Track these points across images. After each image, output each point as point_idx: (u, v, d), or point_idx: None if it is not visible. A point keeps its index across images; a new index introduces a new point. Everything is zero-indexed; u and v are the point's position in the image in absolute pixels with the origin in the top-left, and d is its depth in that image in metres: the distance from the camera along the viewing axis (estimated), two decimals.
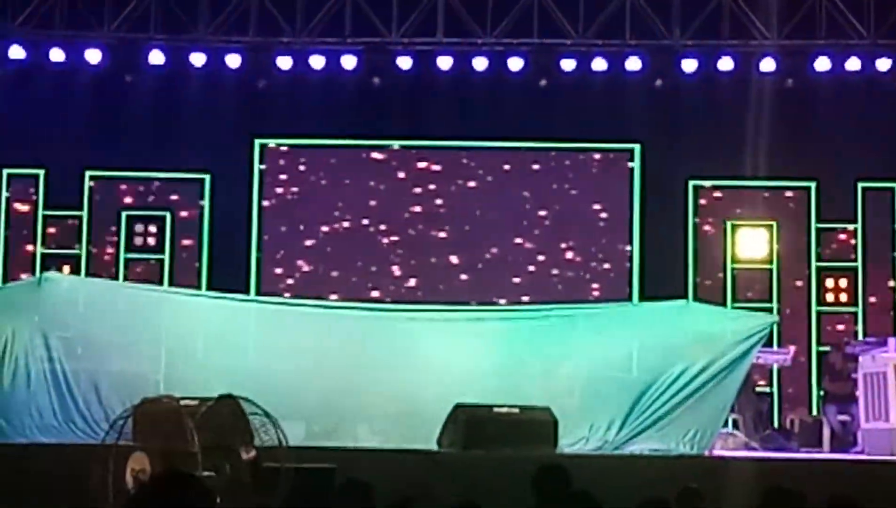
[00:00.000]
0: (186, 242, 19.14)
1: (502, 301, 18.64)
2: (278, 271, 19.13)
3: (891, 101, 18.62)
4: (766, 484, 8.29)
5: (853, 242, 18.98)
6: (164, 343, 14.27)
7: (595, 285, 18.94)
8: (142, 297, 15.05)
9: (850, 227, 18.99)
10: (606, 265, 19.04)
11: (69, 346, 13.96)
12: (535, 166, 19.31)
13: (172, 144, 18.96)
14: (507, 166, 19.35)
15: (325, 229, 19.25)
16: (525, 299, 18.48)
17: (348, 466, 10.76)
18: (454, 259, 19.11)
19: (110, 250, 19.19)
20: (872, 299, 18.89)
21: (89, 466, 9.29)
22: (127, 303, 14.67)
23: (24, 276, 18.19)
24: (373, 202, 19.26)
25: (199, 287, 18.44)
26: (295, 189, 19.37)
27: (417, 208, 19.25)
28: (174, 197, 19.33)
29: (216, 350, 14.33)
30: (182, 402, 9.71)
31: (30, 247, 19.13)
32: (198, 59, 18.81)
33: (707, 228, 19.13)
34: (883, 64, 18.52)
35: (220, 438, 9.05)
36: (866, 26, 18.40)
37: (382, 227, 19.22)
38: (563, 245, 19.10)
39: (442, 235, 19.21)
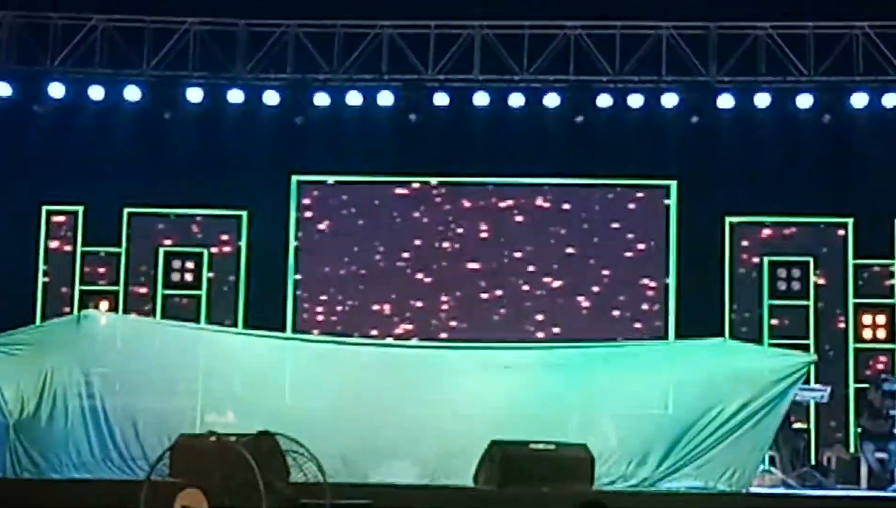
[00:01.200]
0: (223, 278, 19.21)
1: (539, 337, 18.65)
2: (315, 308, 19.18)
3: None
4: None
5: (891, 279, 18.91)
6: (200, 380, 14.32)
7: (632, 323, 18.90)
8: (179, 334, 15.12)
9: (888, 263, 18.92)
10: (643, 303, 19.01)
11: (107, 382, 14.05)
12: (572, 203, 19.33)
13: (210, 180, 19.06)
14: (543, 203, 19.38)
15: (361, 265, 19.29)
16: (561, 335, 18.46)
17: (385, 502, 10.77)
18: (490, 295, 19.12)
19: (148, 286, 19.29)
20: None
21: (136, 501, 9.33)
22: (164, 340, 14.74)
23: (63, 312, 18.28)
24: (409, 238, 19.32)
25: (235, 324, 18.53)
26: (332, 225, 19.44)
27: (454, 245, 19.29)
28: (212, 234, 19.43)
29: (253, 388, 14.38)
30: (217, 438, 9.74)
31: (69, 284, 19.23)
32: (236, 96, 18.94)
33: (744, 264, 19.09)
34: None
35: (259, 474, 9.08)
36: None
37: (419, 263, 19.27)
38: (600, 282, 19.09)
39: (478, 271, 19.23)
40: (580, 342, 16.30)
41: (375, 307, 19.13)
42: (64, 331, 14.65)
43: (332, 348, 15.02)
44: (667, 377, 14.26)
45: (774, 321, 18.93)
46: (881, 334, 18.83)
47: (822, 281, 19.01)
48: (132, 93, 18.87)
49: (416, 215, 19.40)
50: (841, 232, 19.02)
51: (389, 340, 17.74)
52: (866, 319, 18.89)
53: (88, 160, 18.99)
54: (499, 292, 19.15)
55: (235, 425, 13.73)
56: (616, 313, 19.00)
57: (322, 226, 19.45)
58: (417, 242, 19.30)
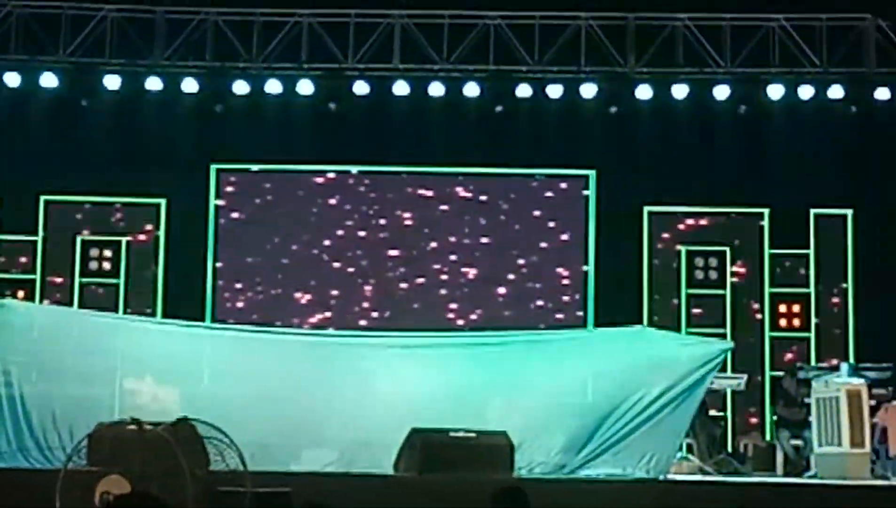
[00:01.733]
0: (142, 267, 19.08)
1: (459, 325, 18.72)
2: (234, 296, 19.12)
3: (843, 128, 18.83)
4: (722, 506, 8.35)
5: (806, 268, 19.14)
6: (119, 369, 14.21)
7: (552, 312, 19.01)
8: (97, 323, 15.01)
9: (803, 253, 19.15)
10: (563, 292, 19.12)
11: (24, 371, 13.91)
12: (491, 192, 19.39)
13: (128, 169, 18.92)
14: (463, 192, 19.42)
15: (280, 254, 19.25)
16: (481, 324, 18.53)
17: (305, 490, 10.74)
18: (410, 285, 19.15)
19: (66, 275, 19.12)
20: (824, 325, 19.03)
21: (56, 490, 9.25)
22: (82, 329, 14.62)
23: None
24: (329, 227, 19.30)
25: (154, 313, 18.43)
26: (251, 214, 19.37)
27: (374, 234, 19.29)
28: (130, 222, 19.29)
29: (171, 376, 14.30)
30: (138, 425, 9.67)
31: None
32: (154, 83, 18.80)
33: (662, 253, 19.24)
34: (835, 92, 18.72)
35: (175, 462, 9.04)
36: (818, 54, 18.59)
37: (339, 252, 19.25)
38: (519, 271, 19.17)
39: (398, 260, 19.25)
40: (500, 330, 16.38)
41: (295, 296, 19.10)
42: None
43: (251, 336, 14.96)
44: (586, 364, 14.34)
45: (692, 310, 19.10)
46: (796, 322, 19.06)
47: (738, 270, 19.21)
48: (48, 80, 18.69)
49: (336, 203, 19.37)
50: (757, 222, 19.22)
51: (309, 330, 17.69)
52: (782, 308, 19.11)
53: (4, 148, 18.79)
54: (419, 281, 19.18)
55: (155, 393, 13.71)
56: (536, 302, 19.09)
57: (241, 214, 19.37)
58: (337, 231, 19.28)
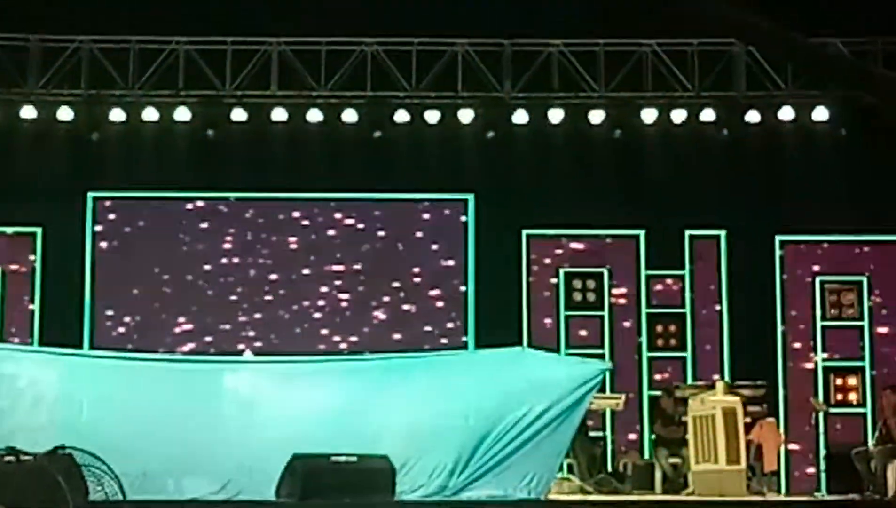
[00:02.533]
0: (18, 296, 18.84)
1: (340, 349, 18.74)
2: (111, 324, 18.95)
3: (715, 151, 19.16)
4: None
5: (681, 288, 19.43)
6: None
7: (432, 334, 19.09)
8: None
9: (678, 273, 19.45)
10: (444, 315, 19.22)
11: None
12: (370, 218, 19.44)
13: (3, 197, 18.69)
14: (342, 218, 19.46)
15: (158, 281, 19.12)
16: (363, 349, 18.56)
17: None
18: (289, 310, 19.13)
19: None
20: (701, 344, 19.32)
21: None
22: None
23: None
24: (207, 255, 19.22)
25: (31, 341, 18.21)
26: (129, 242, 19.22)
27: (252, 260, 19.24)
28: (5, 251, 19.05)
29: (49, 405, 14.13)
30: (16, 456, 9.58)
31: None
32: (28, 112, 18.62)
33: (540, 275, 19.42)
34: (707, 115, 19.07)
35: (54, 491, 8.97)
36: (690, 79, 18.93)
37: (218, 279, 19.18)
38: (400, 296, 19.25)
39: (276, 286, 19.22)
40: (382, 353, 16.42)
41: (174, 323, 18.98)
42: None
43: (129, 364, 14.82)
44: (466, 385, 14.40)
45: (571, 332, 19.28)
46: (672, 342, 19.32)
47: (616, 292, 19.44)
48: None
49: (214, 230, 19.30)
50: (633, 244, 19.47)
51: (187, 356, 17.58)
52: (658, 328, 19.36)
53: None
54: (297, 307, 19.16)
55: (31, 422, 13.56)
56: (418, 326, 19.16)
57: (119, 242, 19.22)
58: (216, 258, 19.20)
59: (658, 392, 18.33)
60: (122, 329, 18.94)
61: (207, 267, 19.17)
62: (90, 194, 19.17)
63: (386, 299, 19.28)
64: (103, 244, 19.16)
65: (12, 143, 18.81)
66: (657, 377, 19.14)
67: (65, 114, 18.68)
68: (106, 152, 18.97)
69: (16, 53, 18.58)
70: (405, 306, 19.24)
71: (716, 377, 18.15)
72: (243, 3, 18.58)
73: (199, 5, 18.46)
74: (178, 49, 18.66)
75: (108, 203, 19.28)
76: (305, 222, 19.42)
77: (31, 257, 19.01)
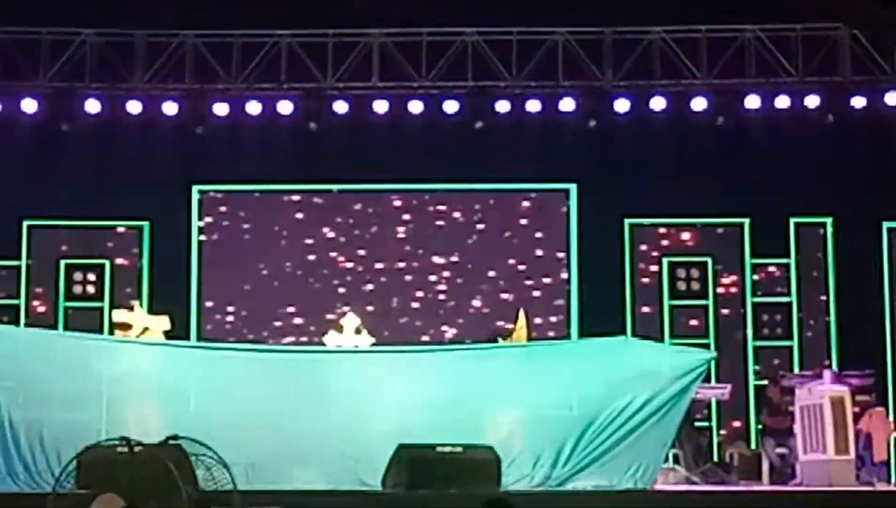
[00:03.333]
0: (126, 289, 19.10)
1: (445, 339, 18.79)
2: (218, 317, 19.16)
3: (820, 137, 18.94)
4: None
5: (787, 276, 19.25)
6: (105, 391, 14.22)
7: (535, 324, 19.06)
8: (81, 345, 14.99)
9: (784, 261, 19.26)
10: (546, 304, 19.19)
11: (11, 396, 13.91)
12: (472, 208, 19.47)
13: (110, 192, 18.97)
14: (444, 208, 19.51)
15: (263, 273, 19.31)
16: (464, 339, 18.59)
17: None
18: (395, 300, 19.22)
19: (49, 299, 19.15)
20: (807, 333, 19.14)
21: None
22: (67, 352, 14.60)
23: None
24: (311, 246, 19.36)
25: None
26: (233, 235, 19.42)
27: (357, 251, 19.35)
28: (113, 245, 19.33)
29: (157, 397, 14.32)
30: (128, 446, 9.69)
31: None
32: (134, 106, 18.85)
33: (643, 265, 19.34)
34: (811, 101, 18.84)
35: (169, 481, 9.06)
36: (794, 64, 18.72)
37: (323, 270, 19.31)
38: (501, 286, 19.25)
39: (381, 277, 19.32)
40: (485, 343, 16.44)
41: (281, 314, 19.15)
42: None
43: (237, 355, 14.95)
44: (570, 375, 14.36)
45: (675, 321, 19.18)
46: (779, 331, 19.15)
47: (720, 280, 19.30)
48: (29, 105, 18.71)
49: (317, 222, 19.44)
50: (738, 232, 19.32)
51: (294, 346, 17.72)
52: (764, 317, 19.19)
53: None
54: (400, 297, 19.24)
55: (141, 414, 13.75)
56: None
57: (224, 235, 19.42)
58: (319, 249, 19.34)
59: (765, 382, 18.17)
60: (229, 320, 19.15)
61: (311, 258, 19.31)
62: (195, 188, 19.38)
63: (487, 289, 19.29)
64: (209, 237, 19.37)
65: (119, 137, 19.04)
66: (764, 366, 18.94)
67: (170, 108, 18.89)
68: (210, 146, 19.16)
69: (121, 49, 18.80)
70: (506, 296, 19.24)
71: (824, 365, 17.96)
72: None
73: None
74: (281, 42, 18.78)
75: (213, 196, 19.49)
76: (407, 214, 19.48)
77: (139, 251, 19.25)
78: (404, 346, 16.32)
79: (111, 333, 16.06)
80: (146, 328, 15.41)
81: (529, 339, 16.04)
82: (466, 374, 14.44)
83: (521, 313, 16.19)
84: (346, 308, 18.00)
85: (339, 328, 16.00)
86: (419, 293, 19.31)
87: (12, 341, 14.48)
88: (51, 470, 13.05)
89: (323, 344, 16.05)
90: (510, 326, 16.50)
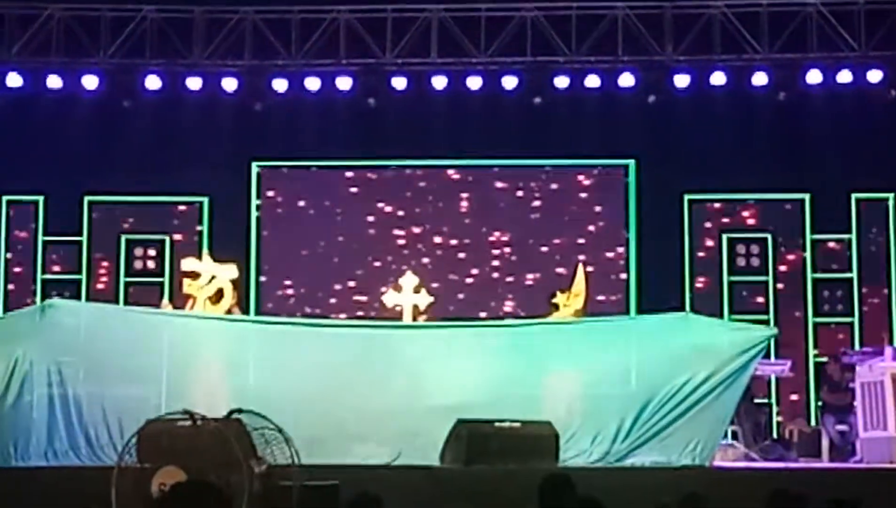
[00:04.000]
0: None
1: (504, 313, 18.79)
2: (278, 292, 19.25)
3: (882, 112, 18.78)
4: (768, 491, 8.38)
5: (848, 253, 19.11)
6: (165, 365, 14.31)
7: (595, 300, 19.01)
8: (143, 320, 15.09)
9: (845, 238, 19.13)
10: (606, 280, 19.15)
11: (73, 371, 14.02)
12: (531, 184, 19.45)
13: (170, 168, 19.10)
14: (502, 184, 19.49)
15: (323, 249, 19.37)
16: (523, 314, 18.58)
17: (352, 483, 10.82)
18: (453, 277, 19.23)
19: (110, 274, 19.31)
20: (868, 310, 19.00)
21: (106, 487, 9.33)
22: (128, 326, 14.71)
23: (26, 302, 18.26)
24: (370, 222, 19.41)
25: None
26: (293, 210, 19.51)
27: (415, 227, 19.38)
28: (173, 220, 19.46)
29: (217, 371, 14.40)
30: (192, 419, 9.75)
31: (31, 273, 19.24)
32: (194, 83, 18.95)
33: (703, 240, 19.26)
34: (874, 76, 18.68)
35: (230, 454, 9.12)
36: (857, 39, 18.55)
37: (381, 246, 19.35)
38: (561, 261, 19.21)
39: (439, 252, 19.34)
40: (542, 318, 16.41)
41: (337, 291, 19.21)
42: (27, 321, 14.59)
43: (296, 329, 15.01)
44: (629, 351, 14.32)
45: (735, 297, 19.09)
46: (840, 307, 19.03)
47: (780, 256, 19.19)
48: (90, 82, 18.86)
49: (375, 198, 19.48)
50: (798, 208, 19.19)
51: (353, 321, 17.76)
52: (825, 293, 19.08)
53: (48, 150, 18.98)
54: (464, 273, 19.25)
55: (201, 388, 13.85)
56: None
57: (283, 211, 19.52)
58: (378, 225, 19.38)
59: (825, 359, 18.05)
60: (289, 294, 19.23)
61: (370, 232, 19.35)
62: (255, 164, 19.47)
63: (546, 264, 19.26)
64: (268, 213, 19.46)
65: (179, 114, 19.16)
66: (824, 343, 18.83)
67: (229, 84, 18.98)
68: (269, 122, 19.23)
69: (181, 25, 18.89)
70: (564, 272, 19.18)
71: (884, 342, 17.80)
72: None
73: None
74: (339, 18, 18.81)
75: (272, 172, 19.56)
76: (465, 190, 19.47)
77: (199, 227, 19.37)
78: (463, 321, 16.32)
79: (180, 282, 16.12)
80: (214, 277, 15.50)
81: (587, 295, 15.96)
82: (525, 349, 14.43)
83: (580, 269, 16.08)
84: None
85: (398, 288, 16.03)
86: (476, 270, 19.31)
87: (74, 316, 14.57)
88: (113, 444, 13.16)
89: (382, 318, 16.08)
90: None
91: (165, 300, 16.63)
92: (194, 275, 15.70)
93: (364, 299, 19.08)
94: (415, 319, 15.77)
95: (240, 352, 14.60)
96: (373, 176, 19.58)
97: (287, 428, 10.20)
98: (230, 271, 15.76)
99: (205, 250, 15.69)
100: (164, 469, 9.12)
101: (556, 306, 15.69)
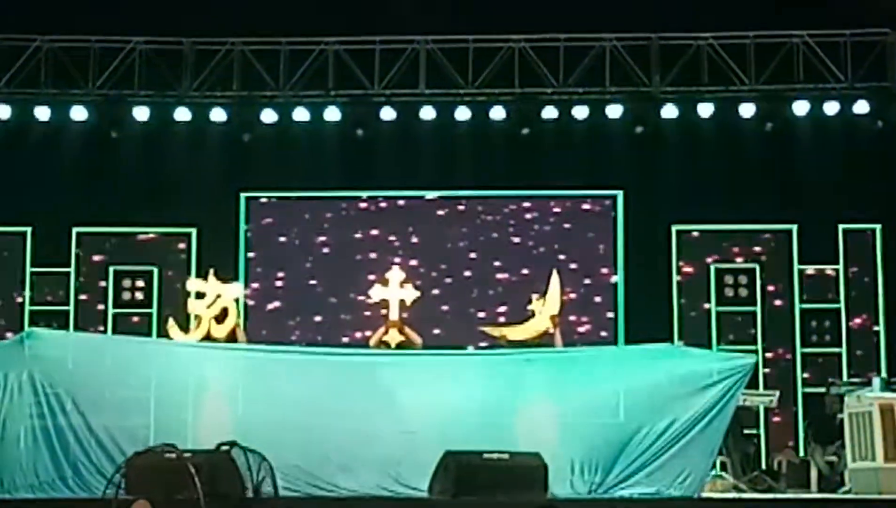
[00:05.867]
0: (174, 295, 19.18)
1: (488, 344, 18.77)
2: (266, 322, 19.22)
3: (868, 143, 18.85)
4: None
5: (836, 283, 19.15)
6: (153, 395, 14.27)
7: (581, 331, 19.05)
8: (129, 349, 15.04)
9: (833, 268, 19.16)
10: (592, 311, 19.16)
11: (59, 401, 13.96)
12: (519, 214, 19.47)
13: (159, 199, 19.11)
14: (490, 215, 19.52)
15: (312, 279, 19.37)
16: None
17: None
18: (439, 306, 19.22)
19: (99, 305, 19.29)
20: (856, 340, 19.03)
21: None
22: (115, 356, 14.64)
23: (10, 335, 18.21)
24: (357, 253, 19.41)
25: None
26: (280, 241, 19.51)
27: (403, 258, 19.37)
28: (161, 251, 19.45)
29: (204, 400, 14.36)
30: (177, 453, 9.77)
31: (19, 302, 19.22)
32: (183, 114, 18.99)
33: (690, 271, 19.29)
34: (860, 107, 18.77)
35: (215, 486, 9.14)
36: (843, 70, 18.65)
37: (368, 276, 19.31)
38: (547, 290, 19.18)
39: (427, 282, 19.30)
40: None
41: (324, 321, 19.19)
42: (10, 351, 14.53)
43: (283, 358, 14.97)
44: (616, 382, 14.28)
45: (722, 327, 19.12)
46: (827, 337, 19.06)
47: (768, 287, 19.23)
48: (78, 113, 18.90)
49: (364, 229, 19.49)
50: (786, 238, 19.24)
51: (340, 350, 17.73)
52: (813, 323, 19.11)
53: (36, 181, 18.98)
54: (447, 303, 19.25)
55: (190, 417, 13.80)
56: (565, 320, 19.06)
57: (271, 242, 19.52)
58: (367, 255, 19.37)
59: (816, 389, 18.06)
60: (274, 327, 19.18)
61: (357, 266, 19.32)
62: (243, 195, 19.48)
63: (534, 295, 19.22)
64: (256, 243, 19.46)
65: (167, 144, 19.18)
66: (812, 373, 18.85)
67: (217, 115, 19.03)
68: (258, 153, 19.27)
69: (170, 57, 18.95)
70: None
71: (872, 372, 17.84)
72: (390, 3, 18.71)
73: (346, 5, 18.64)
74: (328, 49, 18.88)
75: (260, 203, 19.59)
76: (454, 220, 19.50)
77: (187, 257, 19.37)
78: (451, 348, 16.31)
79: (185, 302, 16.07)
80: (219, 296, 15.48)
81: (562, 303, 15.91)
82: (510, 379, 14.37)
83: (555, 275, 16.01)
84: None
85: (385, 282, 16.02)
86: (463, 299, 19.30)
87: (59, 346, 14.51)
88: (102, 474, 13.12)
89: (367, 345, 16.04)
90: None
91: (171, 321, 16.53)
92: (199, 295, 15.69)
93: (352, 328, 19.05)
94: (401, 313, 15.75)
95: (229, 381, 14.54)
96: (361, 207, 19.60)
97: (274, 458, 10.21)
98: (235, 290, 15.77)
99: (210, 270, 15.65)
100: (137, 502, 9.13)
101: (532, 313, 15.65)
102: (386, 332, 15.60)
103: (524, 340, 15.29)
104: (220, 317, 15.36)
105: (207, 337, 15.15)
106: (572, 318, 19.08)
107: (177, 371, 14.35)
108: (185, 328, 15.79)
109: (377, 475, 13.77)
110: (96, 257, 19.40)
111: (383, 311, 15.86)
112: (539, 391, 14.30)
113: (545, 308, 15.52)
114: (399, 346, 15.43)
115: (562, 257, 19.35)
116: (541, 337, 15.31)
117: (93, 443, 13.76)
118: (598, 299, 19.25)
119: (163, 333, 18.34)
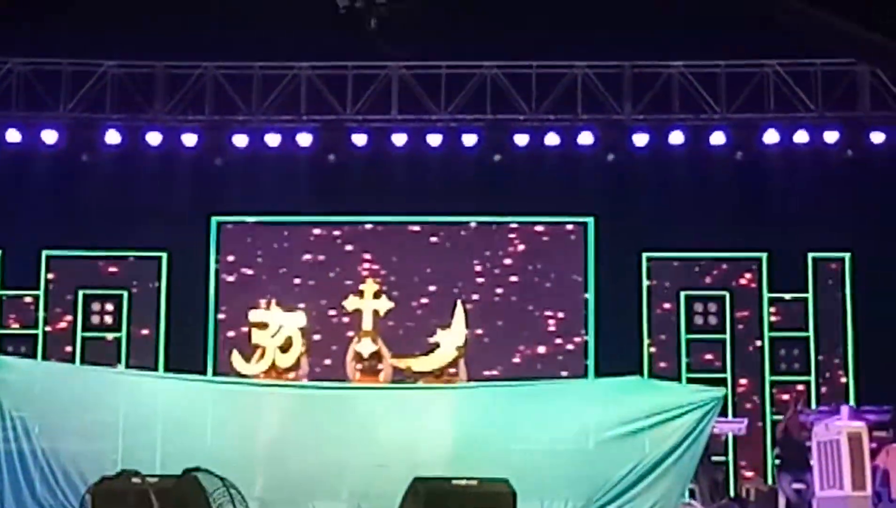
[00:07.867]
0: (144, 320, 19.14)
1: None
2: (236, 348, 19.12)
3: (838, 172, 18.94)
4: None
5: (804, 311, 19.21)
6: (120, 424, 14.23)
7: (552, 360, 19.04)
8: (98, 377, 15.04)
9: (802, 296, 19.22)
10: (562, 340, 19.16)
11: (25, 426, 13.92)
12: (490, 241, 19.47)
13: (129, 222, 19.04)
14: (462, 241, 19.51)
15: (281, 303, 19.27)
16: (480, 372, 18.54)
17: None
18: (408, 334, 19.16)
19: (67, 329, 19.21)
20: (825, 368, 19.08)
21: None
22: (83, 384, 14.64)
23: None
24: (328, 278, 19.36)
25: (155, 366, 18.50)
26: (251, 266, 19.46)
27: (373, 282, 19.30)
28: (131, 276, 19.38)
29: (173, 431, 14.30)
30: (141, 478, 9.73)
31: None
32: (154, 138, 18.96)
33: (660, 300, 19.32)
34: (830, 136, 18.86)
35: None
36: (813, 99, 18.73)
37: (338, 303, 19.28)
38: (519, 319, 19.22)
39: (399, 308, 19.24)
40: (500, 379, 16.39)
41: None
42: None
43: (254, 389, 14.97)
44: (586, 413, 14.34)
45: (692, 355, 19.15)
46: (796, 365, 19.11)
47: (738, 315, 19.28)
48: (49, 136, 18.84)
49: (335, 254, 19.45)
50: (756, 266, 19.30)
51: (311, 382, 17.70)
52: (782, 352, 19.16)
53: (6, 203, 18.91)
54: (418, 331, 19.18)
55: (158, 447, 13.73)
56: (535, 349, 19.11)
57: (242, 266, 19.47)
58: (337, 281, 19.32)
59: (781, 417, 18.09)
60: (243, 354, 19.08)
61: (328, 292, 19.28)
62: (214, 219, 19.44)
63: (503, 322, 19.25)
64: (226, 268, 19.40)
65: (138, 167, 19.12)
66: (781, 401, 18.88)
67: (189, 139, 18.99)
68: (229, 177, 19.24)
69: (142, 80, 18.91)
70: (523, 331, 19.20)
71: (841, 401, 17.88)
72: (363, 29, 18.71)
73: (319, 31, 18.62)
74: (300, 74, 18.87)
75: (231, 228, 19.53)
76: (425, 245, 19.48)
77: (157, 282, 19.30)
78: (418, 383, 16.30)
79: (249, 332, 16.00)
80: (281, 326, 15.46)
81: (467, 331, 15.88)
82: (481, 410, 14.41)
83: (459, 306, 16.03)
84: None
85: (360, 293, 16.03)
86: (435, 324, 19.24)
87: (27, 374, 14.48)
88: (67, 502, 13.07)
89: (345, 379, 16.00)
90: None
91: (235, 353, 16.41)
92: (261, 325, 15.65)
93: (321, 357, 18.99)
94: (375, 323, 15.75)
95: (198, 411, 14.51)
96: (333, 232, 19.57)
97: (243, 487, 10.18)
98: (299, 319, 15.73)
99: (273, 300, 15.63)
100: None
101: (437, 344, 15.67)
102: (359, 341, 15.61)
103: (430, 371, 15.34)
104: (285, 347, 15.35)
105: (272, 367, 15.16)
106: (541, 345, 19.11)
107: (145, 400, 14.33)
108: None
109: (349, 502, 13.77)
110: (66, 281, 19.28)
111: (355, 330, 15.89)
112: (511, 422, 14.31)
113: (449, 340, 15.57)
114: (371, 356, 15.44)
115: (532, 282, 19.35)
116: (447, 368, 15.35)
117: (60, 468, 13.73)
118: (568, 326, 19.24)
119: (130, 357, 18.35)
